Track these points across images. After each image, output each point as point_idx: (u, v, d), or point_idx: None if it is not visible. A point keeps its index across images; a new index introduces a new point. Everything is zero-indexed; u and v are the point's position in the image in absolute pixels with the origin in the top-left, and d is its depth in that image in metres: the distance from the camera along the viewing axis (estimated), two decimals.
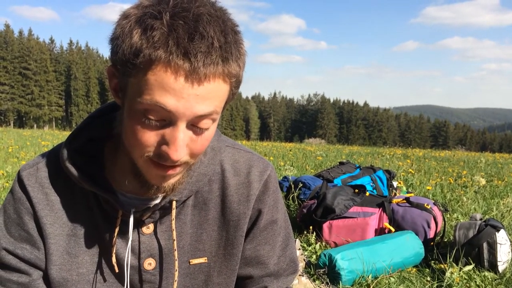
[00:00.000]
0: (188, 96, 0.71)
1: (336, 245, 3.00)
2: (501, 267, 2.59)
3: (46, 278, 0.94)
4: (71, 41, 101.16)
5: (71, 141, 0.92)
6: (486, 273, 2.53)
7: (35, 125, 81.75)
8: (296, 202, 3.89)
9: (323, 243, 3.04)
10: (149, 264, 0.96)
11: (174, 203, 0.92)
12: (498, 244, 2.59)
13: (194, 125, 0.77)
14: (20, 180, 0.93)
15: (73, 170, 0.89)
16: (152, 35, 0.69)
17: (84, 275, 0.94)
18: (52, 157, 0.95)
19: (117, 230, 0.92)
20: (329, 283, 2.45)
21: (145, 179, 0.84)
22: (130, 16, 0.73)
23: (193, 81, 0.71)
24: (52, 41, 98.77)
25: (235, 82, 0.78)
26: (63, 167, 0.90)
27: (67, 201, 0.93)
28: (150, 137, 0.76)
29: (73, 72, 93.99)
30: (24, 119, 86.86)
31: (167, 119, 0.74)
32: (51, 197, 0.92)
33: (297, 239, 2.78)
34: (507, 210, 4.04)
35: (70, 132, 0.95)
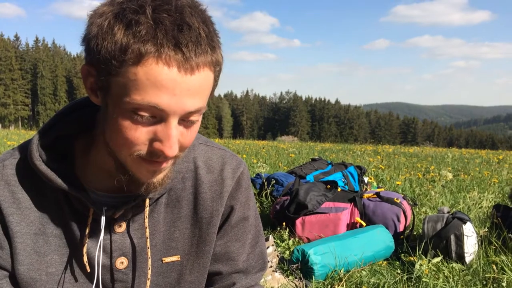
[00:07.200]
0: (181, 92, 0.72)
1: (309, 240, 3.03)
2: (468, 259, 2.67)
3: (14, 279, 0.91)
4: (37, 38, 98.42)
5: (40, 138, 0.89)
6: (454, 265, 2.60)
7: (0, 125, 79.18)
8: (269, 199, 3.90)
9: (296, 239, 3.07)
10: (121, 263, 0.94)
11: (147, 201, 0.91)
12: (465, 236, 2.67)
13: (184, 120, 0.77)
14: None
15: (42, 167, 0.86)
16: (138, 29, 0.69)
17: (53, 275, 0.91)
18: (19, 154, 0.92)
19: (88, 229, 0.90)
20: (302, 278, 2.47)
21: (134, 177, 0.83)
22: (105, 13, 0.72)
23: (186, 71, 0.71)
24: (17, 38, 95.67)
25: (218, 71, 0.79)
26: (31, 164, 0.87)
27: (35, 199, 0.90)
28: (141, 135, 0.75)
29: (39, 70, 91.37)
30: None
31: (158, 117, 0.74)
32: (18, 195, 0.89)
33: (271, 236, 2.79)
34: (473, 203, 4.17)
35: (39, 129, 0.92)
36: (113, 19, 0.71)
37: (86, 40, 0.75)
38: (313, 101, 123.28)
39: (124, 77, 0.71)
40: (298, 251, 2.56)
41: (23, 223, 0.89)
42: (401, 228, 3.03)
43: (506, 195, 4.15)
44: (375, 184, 4.70)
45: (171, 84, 0.71)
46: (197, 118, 0.79)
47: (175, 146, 0.77)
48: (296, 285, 2.40)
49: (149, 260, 0.94)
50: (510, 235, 2.82)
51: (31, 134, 17.38)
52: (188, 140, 0.81)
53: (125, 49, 0.69)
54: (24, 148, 0.92)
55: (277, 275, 2.40)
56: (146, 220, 0.93)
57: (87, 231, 0.90)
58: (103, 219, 0.89)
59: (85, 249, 0.90)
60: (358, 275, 2.51)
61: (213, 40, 0.75)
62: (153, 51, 0.69)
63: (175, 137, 0.76)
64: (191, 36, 0.71)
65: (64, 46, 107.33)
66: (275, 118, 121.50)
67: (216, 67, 0.77)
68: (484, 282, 2.41)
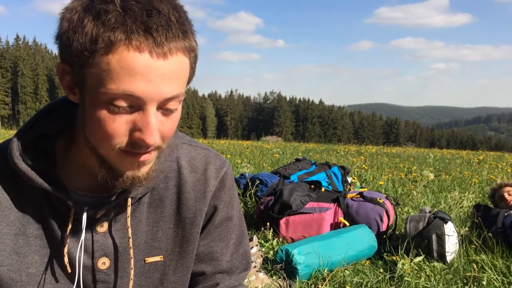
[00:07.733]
0: (155, 78, 0.71)
1: (293, 240, 3.03)
2: (449, 258, 2.71)
3: None
4: (17, 36, 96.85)
5: (21, 137, 0.87)
6: (435, 264, 2.64)
7: None
8: (253, 199, 3.90)
9: (280, 239, 3.07)
10: (103, 263, 0.93)
11: (129, 200, 0.90)
12: (446, 235, 2.71)
13: (162, 108, 0.76)
14: None
15: (23, 166, 0.84)
16: (107, 18, 0.69)
17: (34, 275, 0.89)
18: None
19: (69, 229, 0.88)
20: (286, 278, 2.47)
21: (119, 172, 0.82)
22: (75, 8, 0.72)
23: (159, 56, 0.70)
24: None
25: (194, 57, 0.79)
26: (11, 163, 0.85)
27: (15, 199, 0.88)
28: (120, 126, 0.74)
29: (20, 69, 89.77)
30: None
31: (135, 105, 0.73)
32: None
33: (255, 236, 2.79)
34: (454, 203, 4.23)
35: (19, 128, 0.90)
36: (82, 12, 0.71)
37: (59, 37, 0.75)
38: (297, 102, 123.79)
39: (98, 67, 0.71)
40: (282, 251, 2.56)
41: (3, 223, 0.87)
42: (383, 227, 3.06)
43: (486, 195, 4.22)
44: (358, 184, 4.74)
45: (145, 70, 0.70)
46: (176, 107, 0.78)
47: (156, 134, 0.76)
48: (280, 285, 2.40)
49: (132, 260, 0.93)
50: (490, 234, 2.87)
51: (11, 133, 17.05)
52: (168, 129, 0.79)
53: (96, 39, 0.69)
54: (4, 147, 0.90)
55: (261, 275, 2.40)
56: (128, 219, 0.91)
57: (68, 231, 0.88)
58: (84, 219, 0.88)
59: (66, 250, 0.89)
60: (342, 274, 2.53)
61: (184, 25, 0.74)
62: (124, 38, 0.69)
63: (154, 125, 0.75)
64: (161, 21, 0.70)
65: (45, 44, 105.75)
66: (259, 118, 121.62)
67: (191, 53, 0.77)
68: (465, 281, 2.45)
